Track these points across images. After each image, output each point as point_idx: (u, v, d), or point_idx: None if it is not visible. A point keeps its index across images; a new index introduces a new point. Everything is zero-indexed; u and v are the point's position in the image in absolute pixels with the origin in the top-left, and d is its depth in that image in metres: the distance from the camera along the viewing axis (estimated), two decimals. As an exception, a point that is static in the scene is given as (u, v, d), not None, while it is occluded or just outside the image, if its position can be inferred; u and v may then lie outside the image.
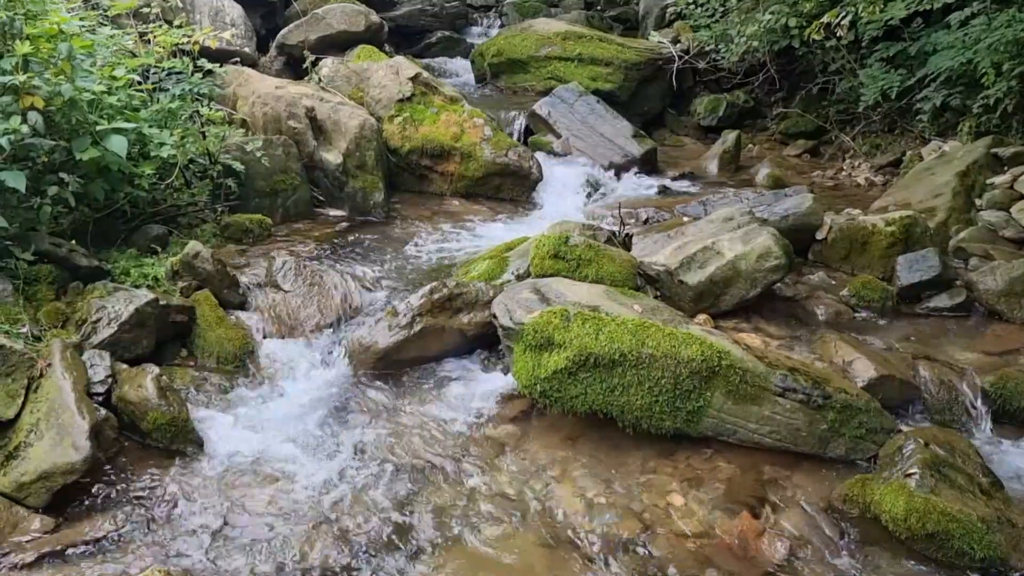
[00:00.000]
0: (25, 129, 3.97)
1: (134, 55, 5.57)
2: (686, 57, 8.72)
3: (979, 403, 3.93)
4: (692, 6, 9.02)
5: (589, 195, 6.80)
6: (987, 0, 6.36)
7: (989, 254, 5.03)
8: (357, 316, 4.60)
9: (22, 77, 4.00)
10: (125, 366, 3.86)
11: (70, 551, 3.06)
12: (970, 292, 4.67)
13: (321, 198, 6.21)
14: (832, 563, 3.11)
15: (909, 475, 3.26)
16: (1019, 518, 3.24)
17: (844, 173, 7.42)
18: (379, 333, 4.27)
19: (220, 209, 5.49)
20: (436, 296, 4.33)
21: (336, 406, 4.03)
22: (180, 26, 5.70)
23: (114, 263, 4.62)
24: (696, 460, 3.63)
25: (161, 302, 4.12)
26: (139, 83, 5.41)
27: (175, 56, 5.63)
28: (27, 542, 3.07)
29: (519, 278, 4.59)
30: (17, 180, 3.93)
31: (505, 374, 4.16)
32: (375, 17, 8.65)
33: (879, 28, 7.01)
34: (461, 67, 9.68)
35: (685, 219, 5.55)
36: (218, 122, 5.66)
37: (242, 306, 4.58)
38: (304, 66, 7.23)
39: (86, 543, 3.10)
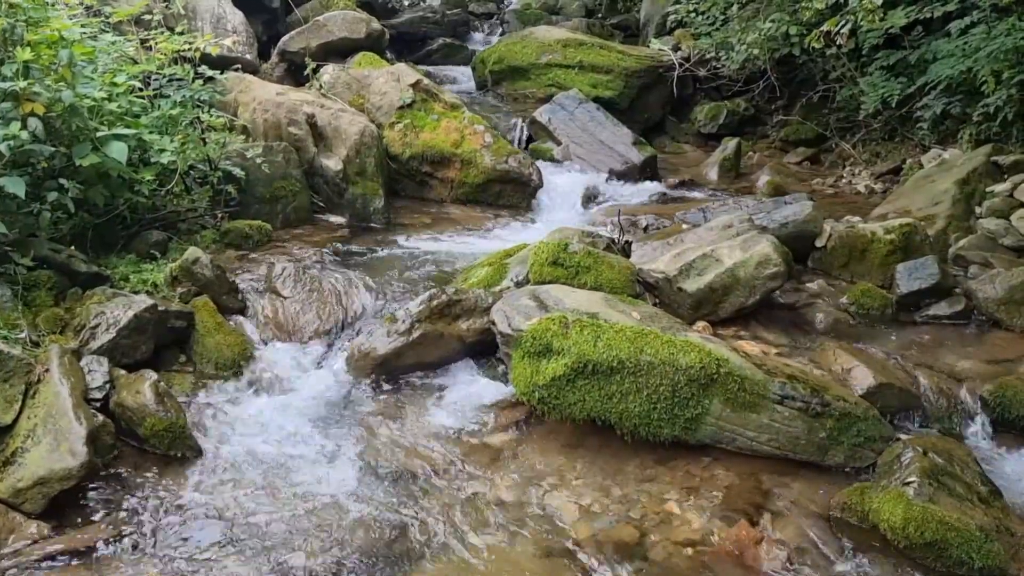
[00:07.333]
0: (25, 135, 3.97)
1: (135, 61, 5.58)
2: (687, 64, 8.72)
3: (978, 411, 3.93)
4: (693, 14, 9.03)
5: (589, 202, 6.80)
6: (987, 9, 6.37)
7: (989, 262, 5.03)
8: (356, 322, 4.60)
9: (23, 83, 4.01)
10: (123, 372, 3.86)
11: (66, 557, 3.05)
12: (969, 300, 4.67)
13: (321, 204, 6.22)
14: (830, 571, 3.10)
15: (907, 483, 3.25)
16: (1018, 527, 3.23)
17: (844, 180, 7.42)
18: (378, 340, 4.27)
19: (220, 215, 5.49)
20: (435, 303, 4.33)
21: (334, 412, 4.03)
22: (181, 33, 5.71)
23: (113, 269, 4.62)
24: (694, 468, 3.62)
25: (160, 308, 4.12)
26: (140, 89, 5.42)
27: (176, 63, 5.64)
28: (23, 548, 3.06)
29: (518, 285, 4.59)
30: (17, 186, 3.94)
31: (503, 381, 4.16)
32: (376, 24, 8.67)
33: (879, 36, 7.02)
34: (462, 74, 9.69)
35: (684, 226, 5.55)
36: (219, 128, 5.66)
37: (241, 312, 4.58)
38: (305, 73, 7.24)
39: (83, 549, 3.10)
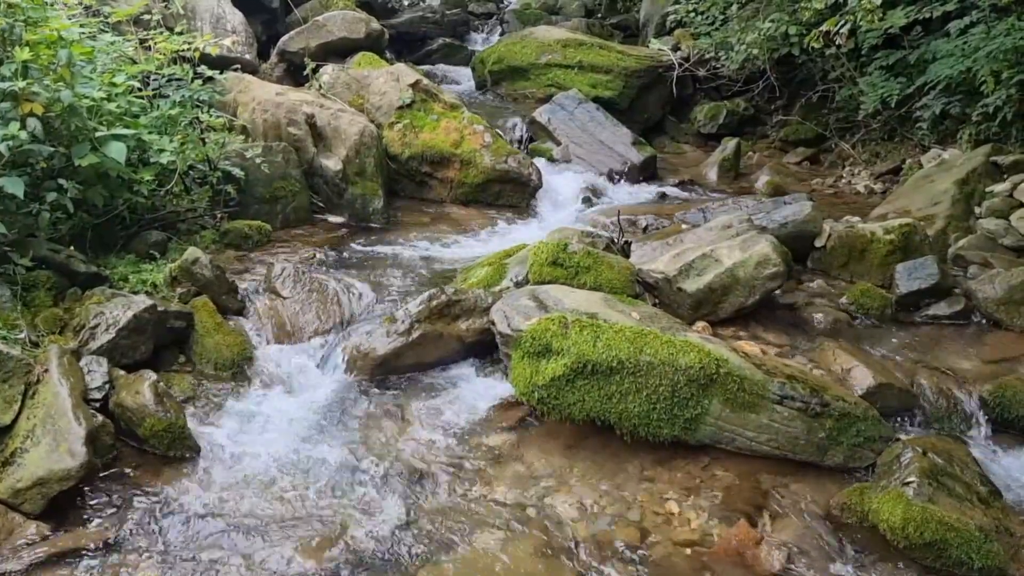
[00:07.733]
0: (24, 135, 3.97)
1: (134, 61, 5.58)
2: (686, 64, 8.71)
3: (977, 411, 3.93)
4: (692, 14, 9.02)
5: (588, 202, 6.79)
6: (986, 9, 6.37)
7: (988, 262, 5.03)
8: (356, 323, 4.60)
9: (22, 83, 4.01)
10: (123, 372, 3.85)
11: (66, 558, 3.05)
12: (969, 300, 4.67)
13: (321, 204, 6.22)
14: (830, 572, 3.10)
15: (907, 484, 3.25)
16: (1017, 527, 3.23)
17: (844, 181, 7.42)
18: (377, 340, 4.27)
19: (219, 215, 5.49)
20: (434, 303, 4.33)
21: (334, 413, 4.02)
22: (181, 33, 5.71)
23: (113, 269, 4.62)
24: (694, 468, 3.62)
25: (159, 308, 4.12)
26: (139, 89, 5.42)
27: (175, 63, 5.64)
28: (22, 549, 3.06)
29: (518, 285, 4.59)
30: (16, 186, 3.93)
31: (503, 381, 4.15)
32: (376, 24, 8.67)
33: (879, 36, 7.02)
34: (462, 74, 9.69)
35: (684, 226, 5.55)
36: (218, 128, 5.65)
37: (241, 312, 4.57)
38: (305, 73, 7.24)
39: (82, 550, 3.09)
